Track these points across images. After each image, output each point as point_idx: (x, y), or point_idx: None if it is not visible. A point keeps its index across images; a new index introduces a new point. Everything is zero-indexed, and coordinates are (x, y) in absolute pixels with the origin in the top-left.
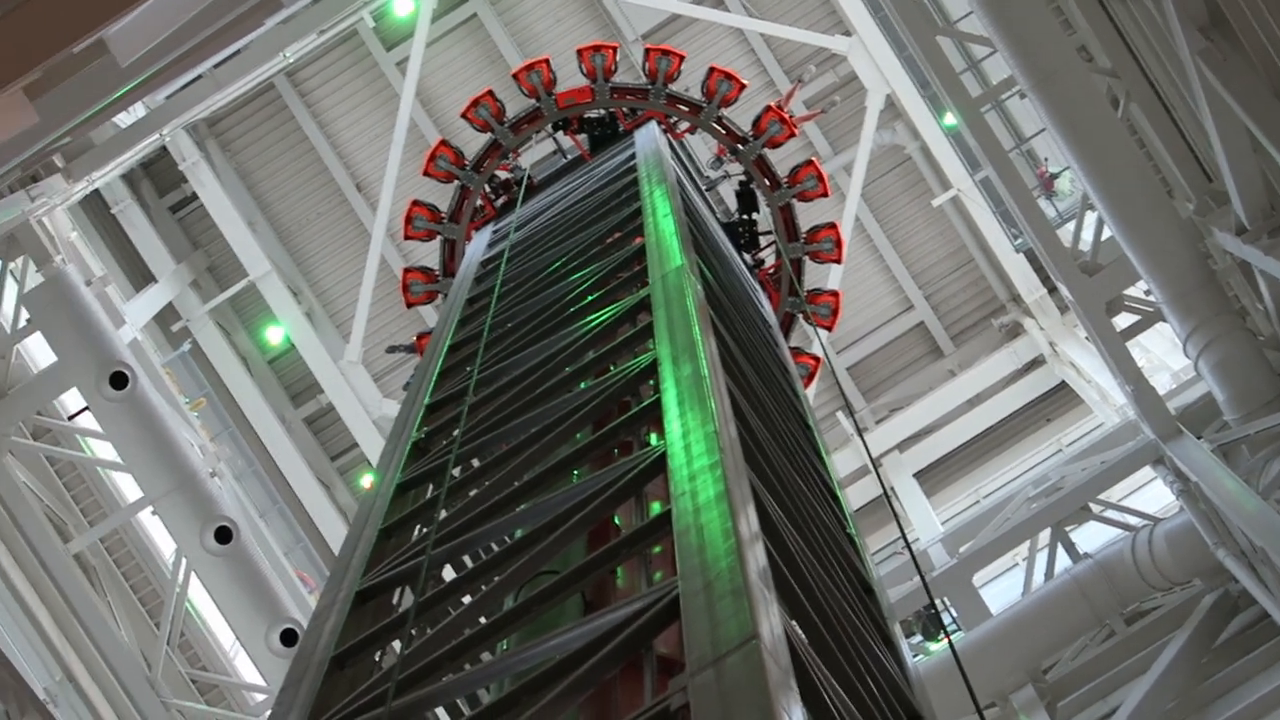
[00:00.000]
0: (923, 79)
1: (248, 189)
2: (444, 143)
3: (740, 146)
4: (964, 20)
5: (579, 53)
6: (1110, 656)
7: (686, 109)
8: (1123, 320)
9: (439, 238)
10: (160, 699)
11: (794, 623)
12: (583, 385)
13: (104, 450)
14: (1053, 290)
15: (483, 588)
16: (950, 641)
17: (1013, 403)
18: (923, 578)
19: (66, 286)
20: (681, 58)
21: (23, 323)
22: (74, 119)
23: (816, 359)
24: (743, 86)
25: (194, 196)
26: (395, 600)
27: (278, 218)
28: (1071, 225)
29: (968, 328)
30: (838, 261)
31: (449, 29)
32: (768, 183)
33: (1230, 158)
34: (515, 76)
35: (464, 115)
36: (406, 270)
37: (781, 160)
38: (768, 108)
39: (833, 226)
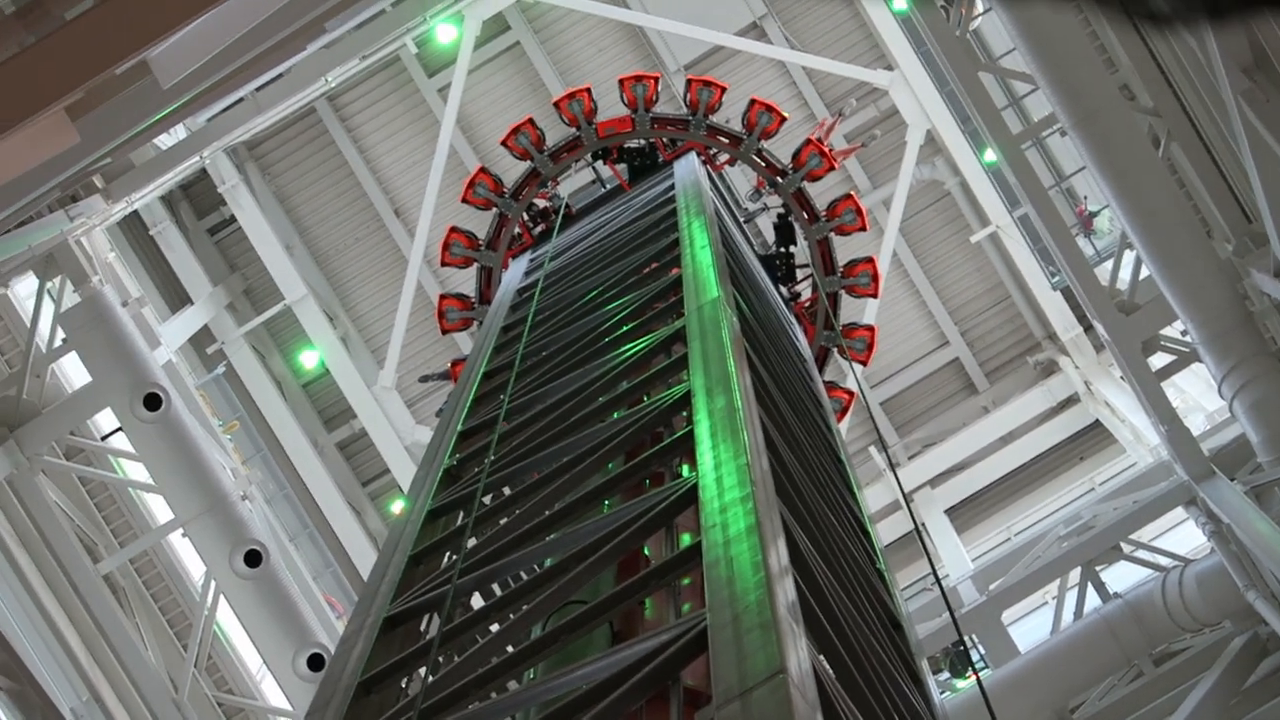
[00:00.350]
0: (964, 114)
1: (286, 213)
2: (483, 170)
3: (779, 179)
4: (1006, 57)
5: (620, 82)
6: (1138, 697)
7: (727, 140)
8: (1158, 360)
9: (476, 265)
10: (182, 715)
11: (822, 657)
12: (616, 415)
13: (136, 471)
14: (1089, 329)
15: (510, 616)
16: (979, 679)
17: (1046, 440)
18: (952, 614)
19: (103, 307)
20: (723, 89)
21: (59, 342)
22: (115, 140)
23: (851, 393)
24: (783, 119)
25: (232, 219)
26: (423, 627)
27: (315, 242)
28: (1109, 264)
29: (1002, 364)
30: (874, 296)
31: (491, 56)
32: (806, 216)
33: (1270, 198)
34: (556, 105)
35: (504, 143)
36: (442, 297)
37: (820, 194)
38: (807, 141)
39: (870, 261)
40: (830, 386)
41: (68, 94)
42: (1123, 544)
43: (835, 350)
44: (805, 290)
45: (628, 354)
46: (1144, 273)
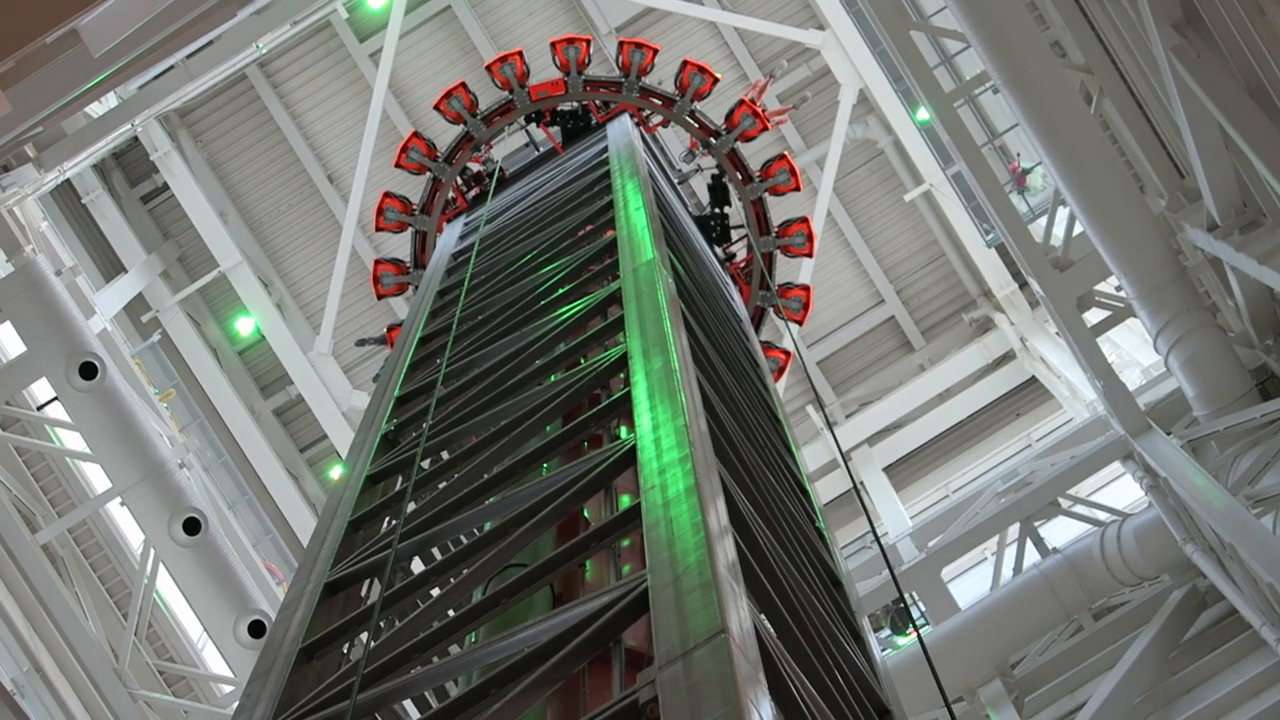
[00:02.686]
0: (896, 73)
1: (219, 180)
2: (416, 134)
3: (713, 140)
4: (938, 15)
5: (552, 45)
6: (1078, 651)
7: (660, 103)
8: (1093, 316)
9: (410, 230)
10: (128, 690)
11: (763, 616)
12: (553, 378)
13: (73, 440)
14: (1024, 285)
15: (451, 581)
16: (920, 636)
17: (983, 397)
18: (892, 572)
19: (36, 276)
20: (655, 51)
21: None
22: (46, 109)
23: (787, 353)
24: (716, 80)
25: (165, 187)
26: (364, 592)
27: (249, 208)
28: (1043, 221)
29: (938, 322)
30: (809, 255)
31: (422, 20)
32: (740, 176)
33: (1202, 154)
34: (488, 69)
35: (436, 107)
36: (377, 262)
37: (754, 154)
38: (740, 102)
39: (804, 221)
40: (767, 347)
41: None
42: (1061, 499)
43: (771, 310)
44: (740, 251)
45: (564, 316)
46: (1078, 229)
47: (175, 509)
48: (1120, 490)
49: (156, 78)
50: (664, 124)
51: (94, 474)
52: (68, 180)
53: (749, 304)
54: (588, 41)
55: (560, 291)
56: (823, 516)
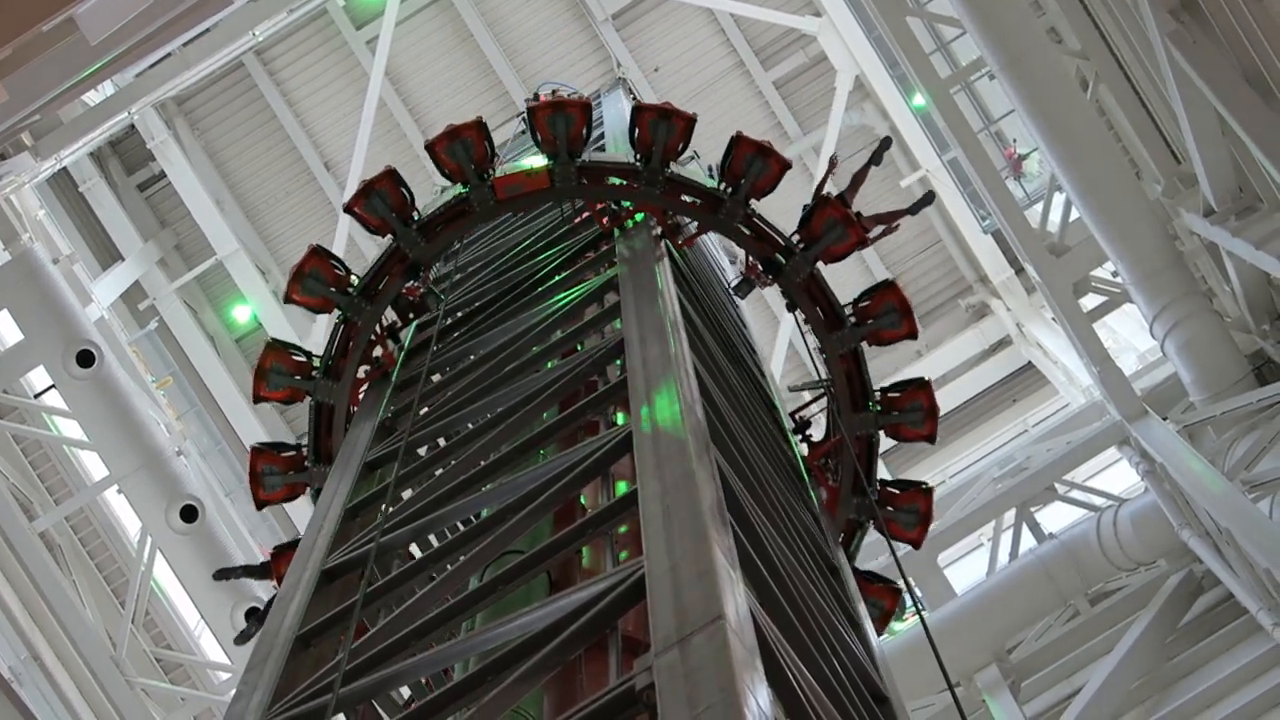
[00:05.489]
0: (892, 59)
1: (216, 167)
2: (316, 251)
3: (784, 259)
4: (934, 1)
5: (530, 113)
6: (1075, 637)
7: (698, 202)
8: (1090, 301)
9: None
10: (125, 677)
11: (759, 603)
12: (550, 365)
13: (70, 428)
14: (1020, 271)
15: (448, 567)
16: (923, 620)
17: (979, 383)
18: (895, 556)
19: (33, 264)
20: (689, 121)
21: None
22: (42, 97)
23: (895, 592)
24: (784, 166)
25: (162, 175)
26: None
27: (246, 196)
28: (1039, 206)
29: (935, 308)
30: (929, 439)
31: (419, 8)
32: (821, 315)
33: (1198, 140)
34: (431, 149)
35: (350, 208)
36: (255, 452)
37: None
38: (824, 200)
39: (923, 388)
40: (873, 587)
41: None
42: (1057, 485)
43: (872, 524)
44: (814, 415)
45: (561, 303)
46: (1074, 215)
47: (172, 496)
48: (1116, 476)
49: (153, 65)
50: (702, 232)
51: (91, 462)
52: (64, 168)
53: (836, 512)
54: (584, 106)
55: (557, 278)
56: (819, 503)
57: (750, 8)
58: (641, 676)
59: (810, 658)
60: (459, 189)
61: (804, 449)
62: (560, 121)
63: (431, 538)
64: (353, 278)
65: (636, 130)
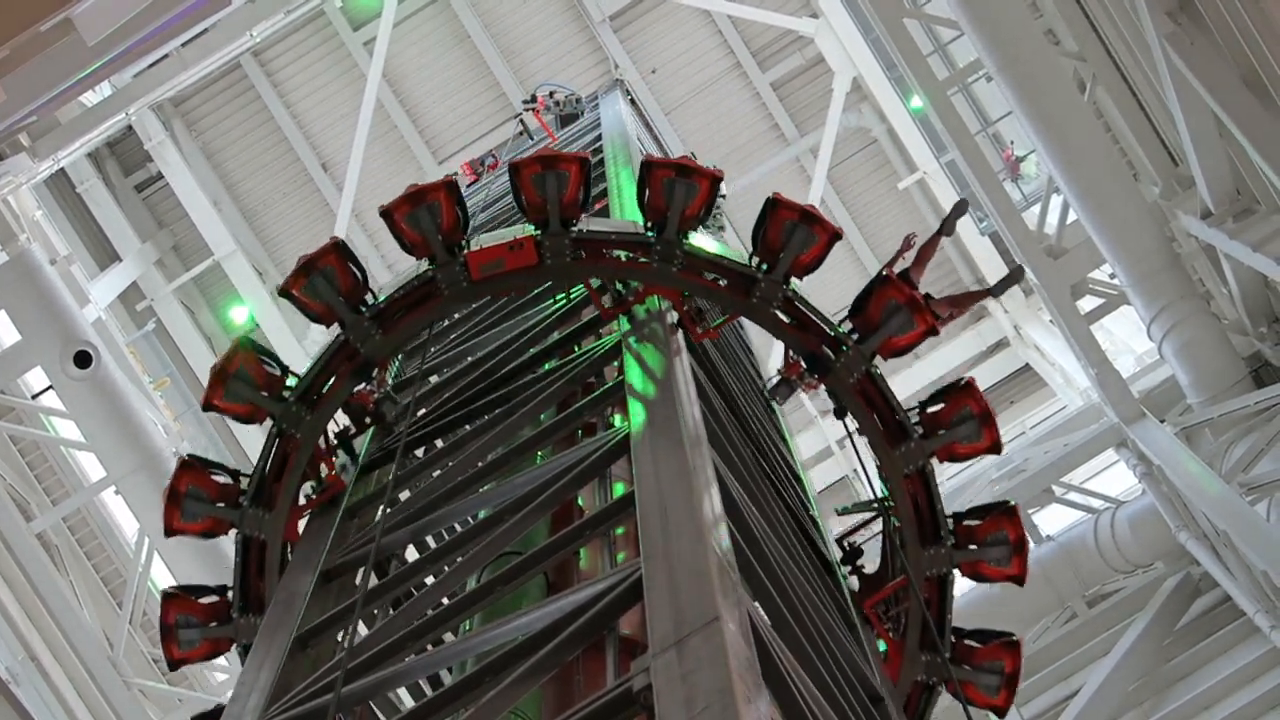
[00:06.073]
0: (889, 61)
1: (213, 168)
2: (243, 345)
3: (832, 354)
4: (931, 3)
5: (513, 170)
6: (1072, 639)
7: (725, 284)
8: (1087, 303)
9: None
10: (122, 678)
11: (757, 604)
12: (547, 366)
13: (67, 429)
14: None
15: (445, 569)
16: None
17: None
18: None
19: (31, 265)
20: (713, 180)
21: None
22: (40, 97)
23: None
24: (833, 236)
25: (159, 176)
26: (358, 580)
27: (243, 197)
28: (1037, 208)
29: None
30: (1019, 580)
31: (416, 9)
32: (879, 427)
33: (1196, 142)
34: (387, 214)
35: (285, 291)
36: (168, 598)
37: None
38: (884, 280)
39: (1009, 514)
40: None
41: None
42: (1054, 487)
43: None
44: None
45: (558, 305)
46: (1071, 217)
47: None
48: (1114, 478)
49: (150, 66)
50: (732, 319)
51: (89, 462)
52: (62, 169)
53: (899, 672)
54: (581, 162)
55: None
56: (816, 504)
57: (747, 9)
58: (639, 678)
59: (808, 658)
60: (424, 266)
61: (854, 582)
62: (550, 182)
63: (429, 539)
64: (289, 377)
65: (647, 191)
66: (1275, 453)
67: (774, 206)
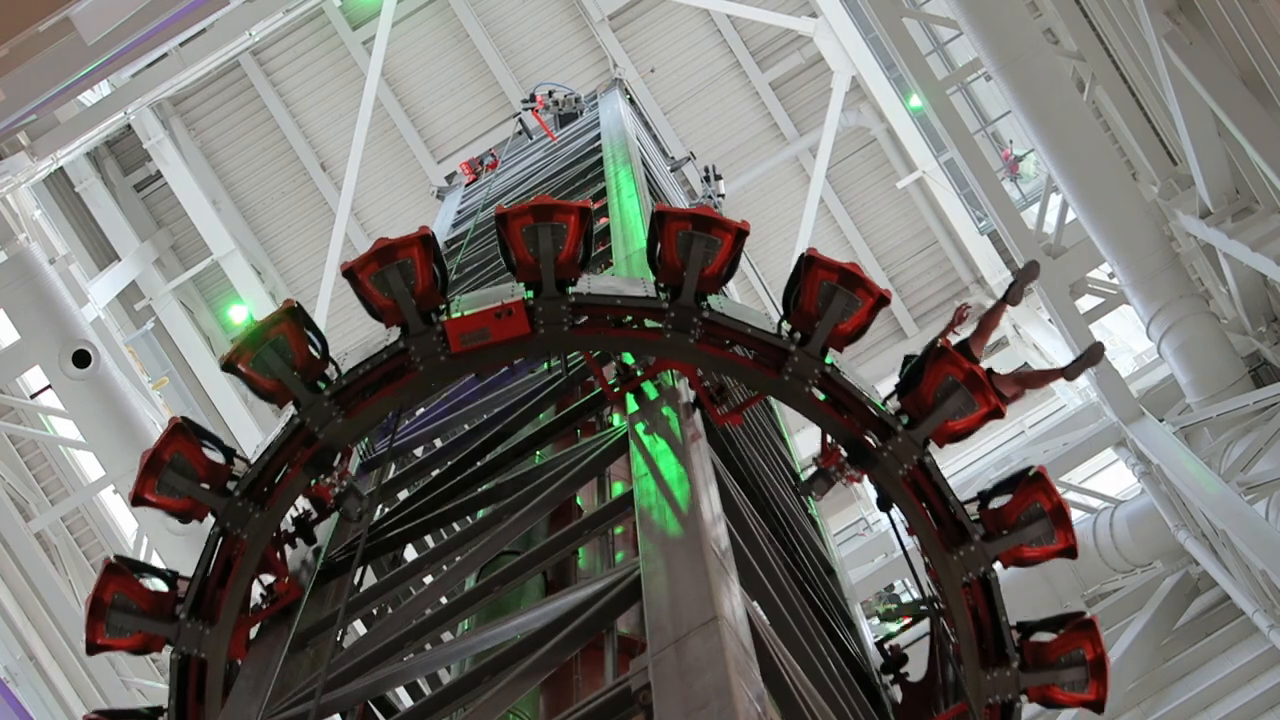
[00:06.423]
0: (888, 61)
1: (212, 168)
2: (181, 428)
3: (878, 442)
4: (930, 2)
5: (501, 221)
6: None
7: (750, 357)
8: (1086, 303)
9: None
10: (121, 678)
11: (755, 603)
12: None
13: (66, 429)
14: None
15: (444, 568)
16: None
17: None
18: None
19: (30, 265)
20: (737, 235)
21: None
22: (39, 97)
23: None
24: (878, 301)
25: (158, 175)
26: (357, 580)
27: (242, 196)
28: (1036, 208)
29: (932, 309)
30: (1097, 710)
31: (415, 8)
32: (932, 518)
33: (1195, 141)
34: (350, 274)
35: (229, 364)
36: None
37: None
38: (939, 352)
39: (1087, 630)
40: None
41: None
42: None
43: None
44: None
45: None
46: (1070, 216)
47: None
48: (1113, 477)
49: (149, 66)
50: (758, 400)
51: (87, 462)
52: (61, 168)
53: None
54: (580, 211)
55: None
56: (815, 504)
57: (746, 9)
58: (637, 677)
59: (806, 657)
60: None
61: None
62: (546, 236)
63: (429, 538)
64: (235, 463)
65: (659, 246)
66: (1274, 452)
67: (810, 265)
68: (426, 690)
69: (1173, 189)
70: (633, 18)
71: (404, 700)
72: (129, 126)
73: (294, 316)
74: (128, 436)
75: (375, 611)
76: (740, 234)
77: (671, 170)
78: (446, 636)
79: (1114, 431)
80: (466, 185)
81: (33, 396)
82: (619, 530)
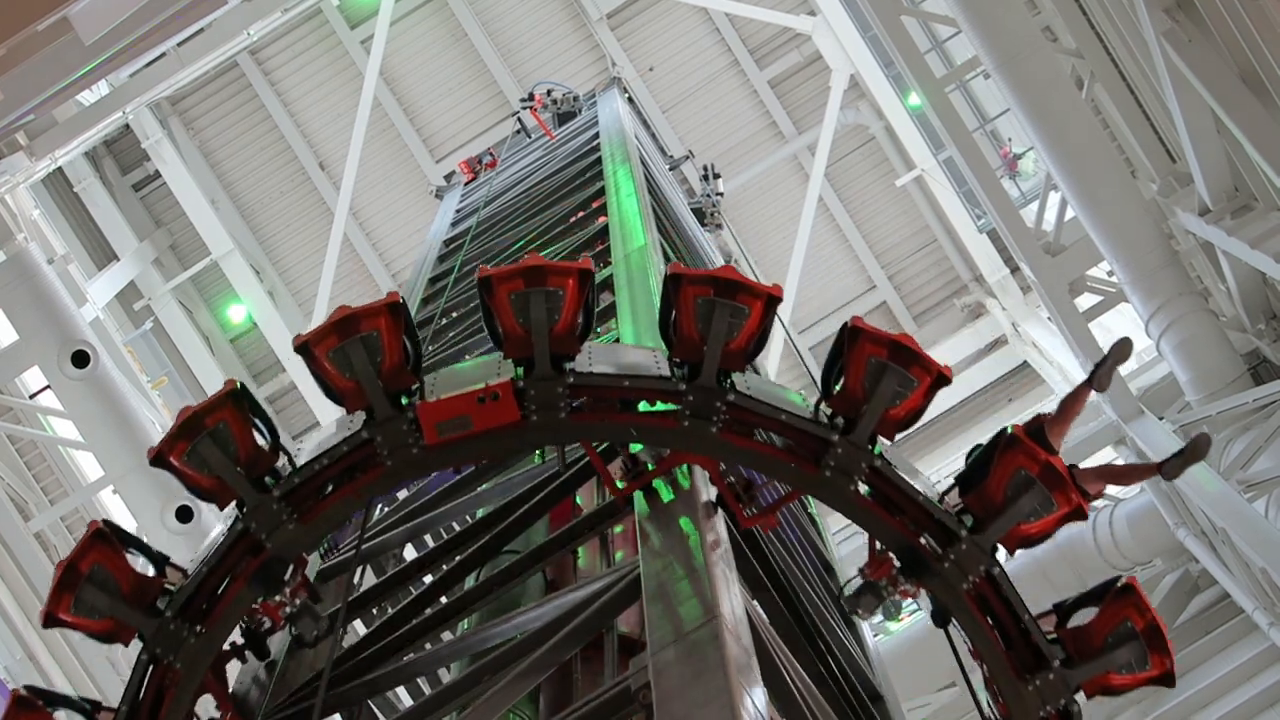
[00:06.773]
0: (887, 59)
1: (210, 167)
2: (100, 534)
3: (938, 550)
4: (928, 0)
5: (485, 286)
6: None
7: (782, 451)
8: (1085, 301)
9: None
10: (121, 677)
11: (755, 602)
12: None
13: (65, 429)
14: (1015, 270)
15: (444, 567)
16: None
17: (975, 382)
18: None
19: (28, 264)
20: (768, 302)
21: None
22: (37, 96)
23: None
24: (937, 379)
25: (157, 175)
26: (356, 579)
27: (240, 196)
28: (1035, 206)
29: (930, 307)
30: (1168, 682)
31: (413, 7)
32: (1001, 638)
33: (1194, 139)
34: (305, 350)
35: (159, 458)
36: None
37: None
38: (1011, 441)
39: (1130, 598)
40: None
41: None
42: None
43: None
44: None
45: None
46: (1069, 214)
47: (168, 497)
48: None
49: (148, 65)
50: (795, 497)
51: (86, 462)
52: (59, 168)
53: None
54: (579, 274)
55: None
56: (814, 502)
57: (745, 7)
58: (637, 676)
59: (806, 656)
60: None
61: None
62: (539, 304)
63: (428, 537)
64: (168, 578)
65: (676, 315)
66: (1273, 450)
67: (855, 338)
68: (426, 690)
69: (1172, 187)
70: (631, 16)
71: (404, 700)
72: (127, 126)
73: (237, 401)
74: (127, 436)
75: (375, 611)
76: (771, 300)
77: (670, 169)
78: (447, 636)
79: (1113, 429)
80: (465, 184)
81: (32, 397)
82: (619, 529)
